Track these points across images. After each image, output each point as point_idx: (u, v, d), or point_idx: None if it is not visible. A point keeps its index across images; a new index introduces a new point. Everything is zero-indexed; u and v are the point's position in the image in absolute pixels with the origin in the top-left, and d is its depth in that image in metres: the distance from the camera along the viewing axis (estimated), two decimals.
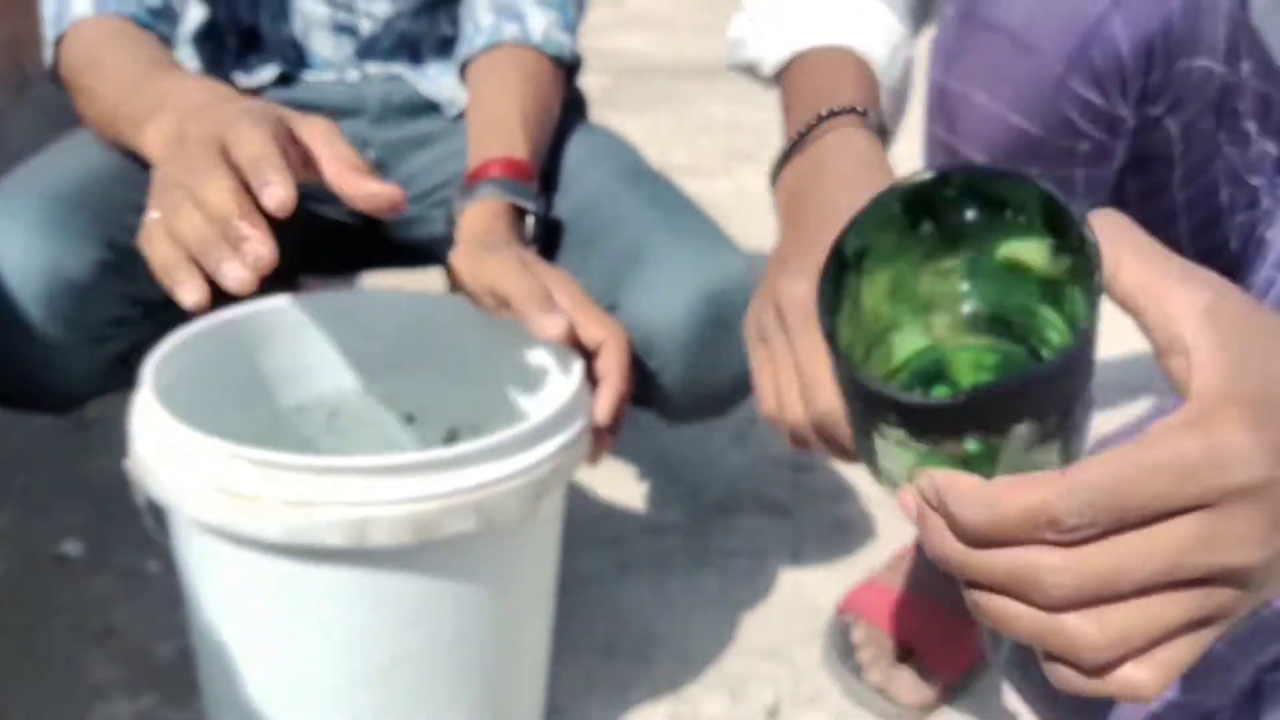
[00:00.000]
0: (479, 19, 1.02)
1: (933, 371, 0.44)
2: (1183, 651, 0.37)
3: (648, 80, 3.01)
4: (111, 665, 0.96)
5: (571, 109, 1.09)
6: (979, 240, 0.42)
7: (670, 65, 3.18)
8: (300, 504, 0.67)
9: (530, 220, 0.93)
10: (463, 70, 1.03)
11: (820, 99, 0.69)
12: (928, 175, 0.42)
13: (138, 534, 0.83)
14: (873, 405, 0.40)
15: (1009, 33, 0.68)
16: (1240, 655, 0.65)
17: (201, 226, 0.68)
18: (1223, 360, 0.38)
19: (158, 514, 0.77)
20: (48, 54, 0.94)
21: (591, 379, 0.81)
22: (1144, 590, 0.37)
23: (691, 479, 1.27)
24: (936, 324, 0.44)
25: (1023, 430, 0.38)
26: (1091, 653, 0.37)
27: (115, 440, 0.78)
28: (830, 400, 0.55)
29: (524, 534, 0.76)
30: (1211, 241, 0.88)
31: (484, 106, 0.98)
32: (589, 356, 0.82)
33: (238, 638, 0.76)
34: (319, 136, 0.75)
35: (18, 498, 1.16)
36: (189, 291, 0.68)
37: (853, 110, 0.68)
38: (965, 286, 0.43)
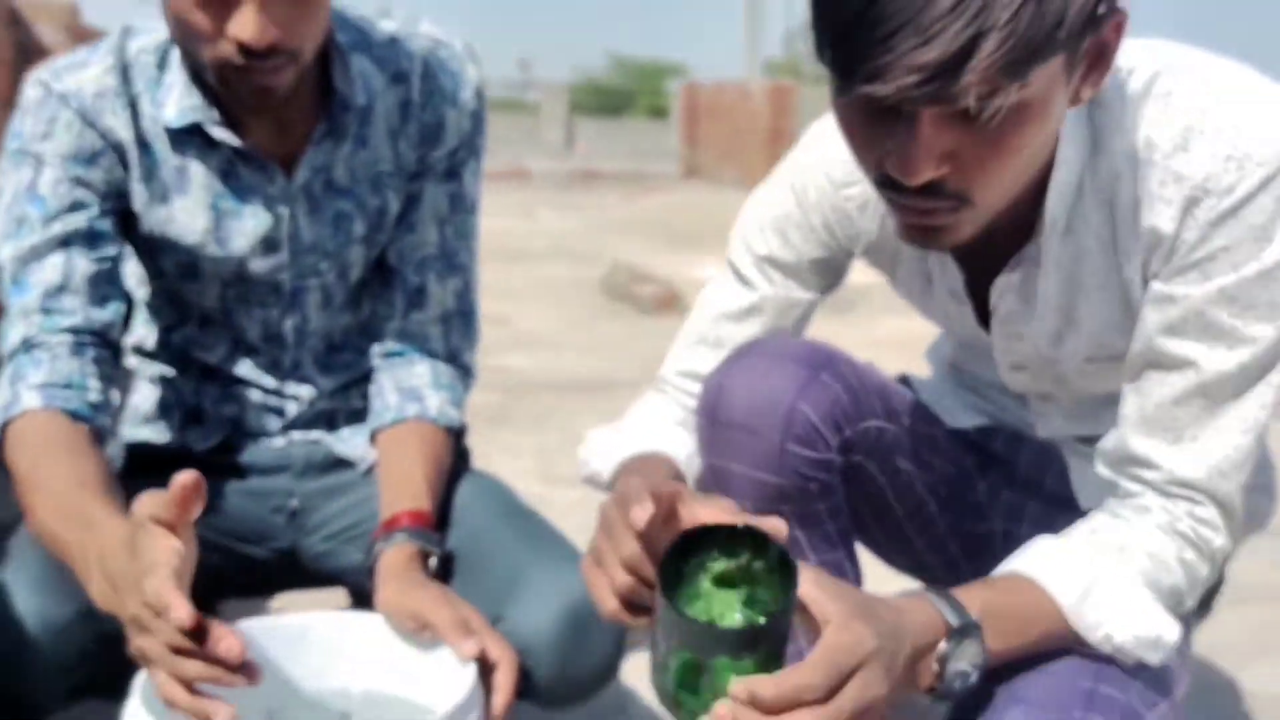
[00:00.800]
0: (387, 399, 1.28)
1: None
2: None
3: (535, 397, 3.34)
4: None
5: (459, 458, 1.36)
6: (743, 559, 0.82)
7: (552, 382, 3.52)
8: None
9: (433, 559, 1.17)
10: (373, 437, 1.29)
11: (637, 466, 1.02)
12: (713, 526, 0.82)
13: None
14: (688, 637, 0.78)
15: (739, 425, 1.02)
16: None
17: (157, 649, 0.89)
18: (842, 609, 0.80)
19: None
20: None
21: (485, 684, 1.04)
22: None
23: None
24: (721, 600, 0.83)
25: (761, 651, 0.77)
26: None
27: None
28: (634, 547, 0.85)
29: None
30: (932, 538, 1.20)
31: (394, 469, 1.24)
32: (485, 668, 1.05)
33: None
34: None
35: None
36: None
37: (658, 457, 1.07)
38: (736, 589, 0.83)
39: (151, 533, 0.89)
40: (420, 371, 1.29)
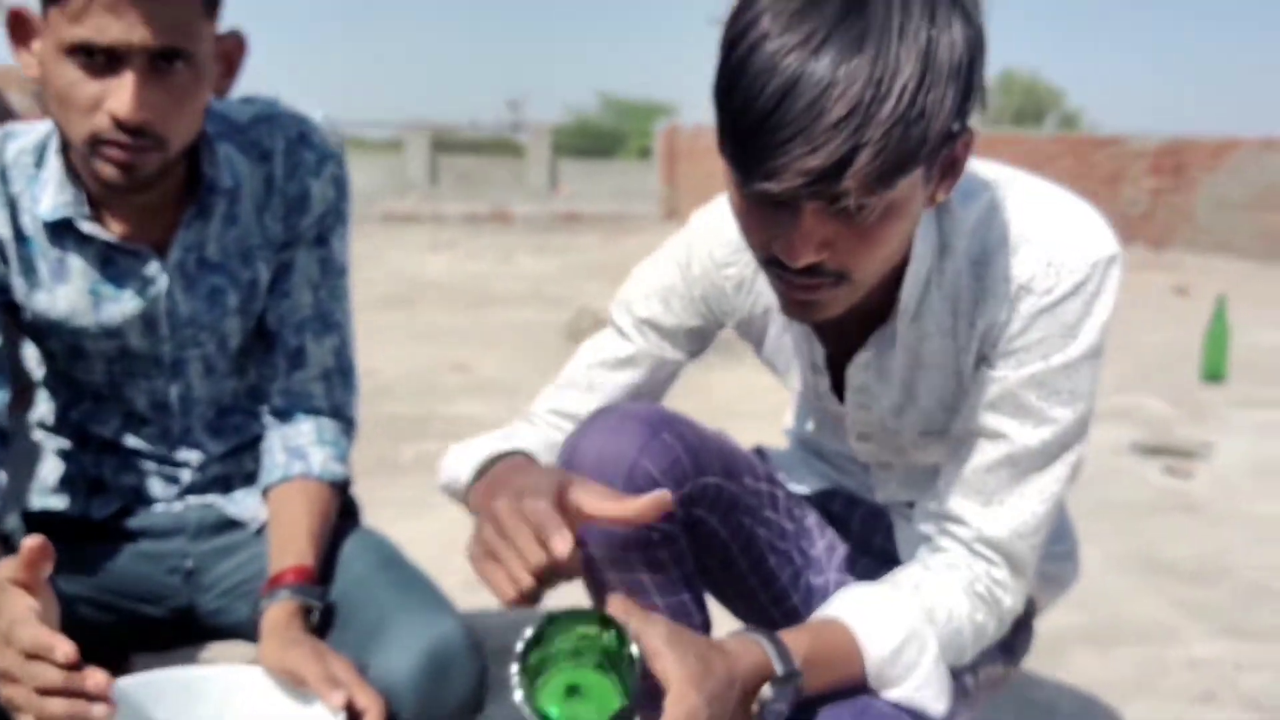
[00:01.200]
0: (275, 458, 1.37)
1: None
2: None
3: None
4: None
5: (346, 514, 1.46)
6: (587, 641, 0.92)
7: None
8: None
9: (315, 613, 1.27)
10: (264, 494, 1.38)
11: (501, 465, 1.11)
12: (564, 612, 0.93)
13: None
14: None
15: (588, 475, 1.09)
16: None
17: (23, 694, 0.98)
18: (681, 675, 0.90)
19: None
20: None
21: None
22: None
23: None
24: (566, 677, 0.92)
25: None
26: None
27: None
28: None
29: None
30: (774, 590, 1.30)
31: (280, 526, 1.33)
32: (355, 716, 1.16)
33: None
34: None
35: None
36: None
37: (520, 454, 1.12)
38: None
39: (11, 593, 0.99)
40: (305, 430, 1.38)
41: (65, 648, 0.96)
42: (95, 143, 1.14)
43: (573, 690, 0.93)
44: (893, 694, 1.04)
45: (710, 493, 1.20)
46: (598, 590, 1.19)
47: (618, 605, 0.95)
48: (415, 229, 11.06)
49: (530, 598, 0.95)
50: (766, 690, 0.97)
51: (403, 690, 1.19)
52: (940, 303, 1.08)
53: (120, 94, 1.11)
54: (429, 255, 8.69)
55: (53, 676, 0.97)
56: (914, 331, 1.10)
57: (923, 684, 1.05)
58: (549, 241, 10.02)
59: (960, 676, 1.12)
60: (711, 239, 1.19)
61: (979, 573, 1.08)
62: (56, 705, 0.98)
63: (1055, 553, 1.28)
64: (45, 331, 1.30)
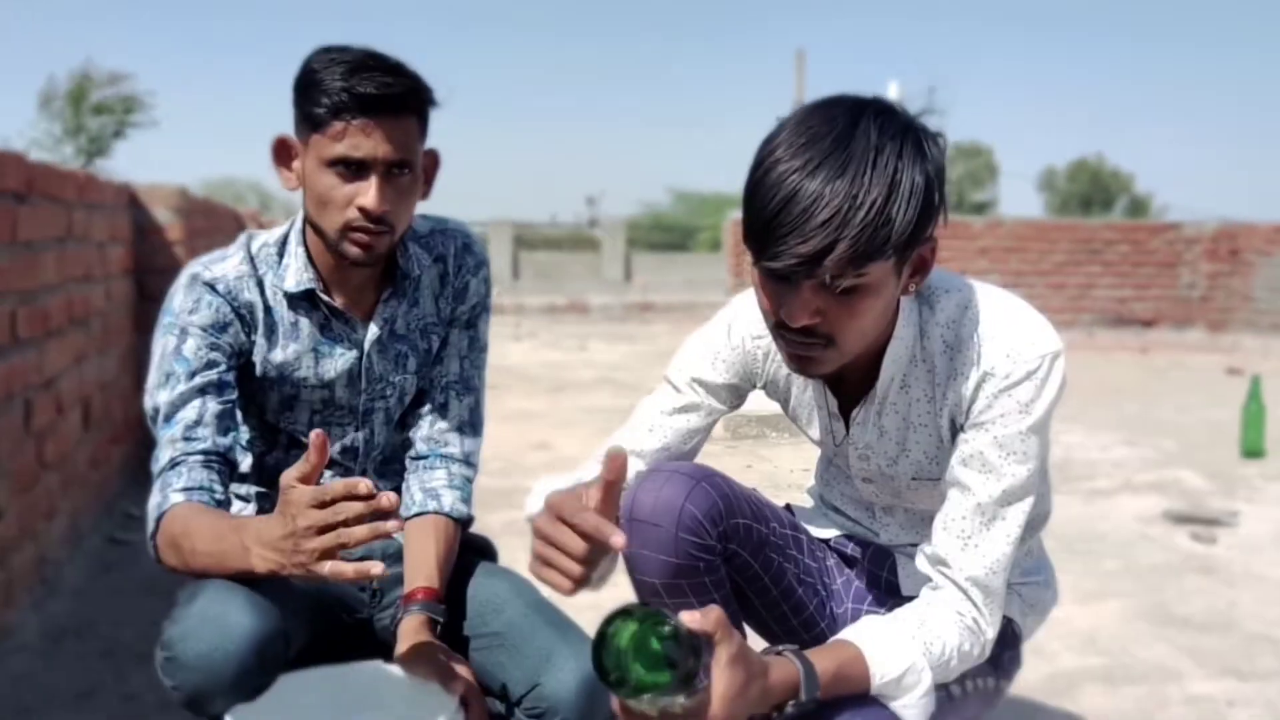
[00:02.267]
0: (414, 495, 1.75)
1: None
2: None
3: None
4: None
5: (487, 553, 1.83)
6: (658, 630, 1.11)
7: None
8: None
9: (439, 625, 1.64)
10: (401, 524, 1.75)
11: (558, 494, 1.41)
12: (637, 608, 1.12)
13: None
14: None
15: (646, 520, 1.45)
16: None
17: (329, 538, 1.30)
18: (725, 687, 1.15)
19: None
20: (150, 526, 1.57)
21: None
22: None
23: None
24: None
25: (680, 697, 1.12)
26: None
27: None
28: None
29: None
30: (805, 617, 1.62)
31: (415, 553, 1.71)
32: (466, 703, 1.52)
33: None
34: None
35: None
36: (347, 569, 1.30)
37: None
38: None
39: (296, 489, 1.33)
40: (439, 475, 1.76)
41: (365, 482, 1.31)
42: (346, 230, 1.56)
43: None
44: (890, 705, 1.31)
45: (742, 531, 1.52)
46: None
47: (710, 617, 1.16)
48: (498, 320, 11.50)
49: (581, 582, 1.24)
50: (790, 707, 1.24)
51: (567, 704, 1.56)
52: (923, 376, 1.42)
53: (369, 193, 1.53)
54: (511, 344, 9.16)
55: (357, 507, 1.30)
56: (903, 397, 1.43)
57: (912, 706, 1.32)
58: (622, 330, 10.45)
59: (947, 686, 1.40)
60: (748, 315, 1.53)
61: (965, 609, 1.36)
62: (360, 531, 1.29)
63: (1036, 582, 1.59)
64: (270, 384, 1.68)
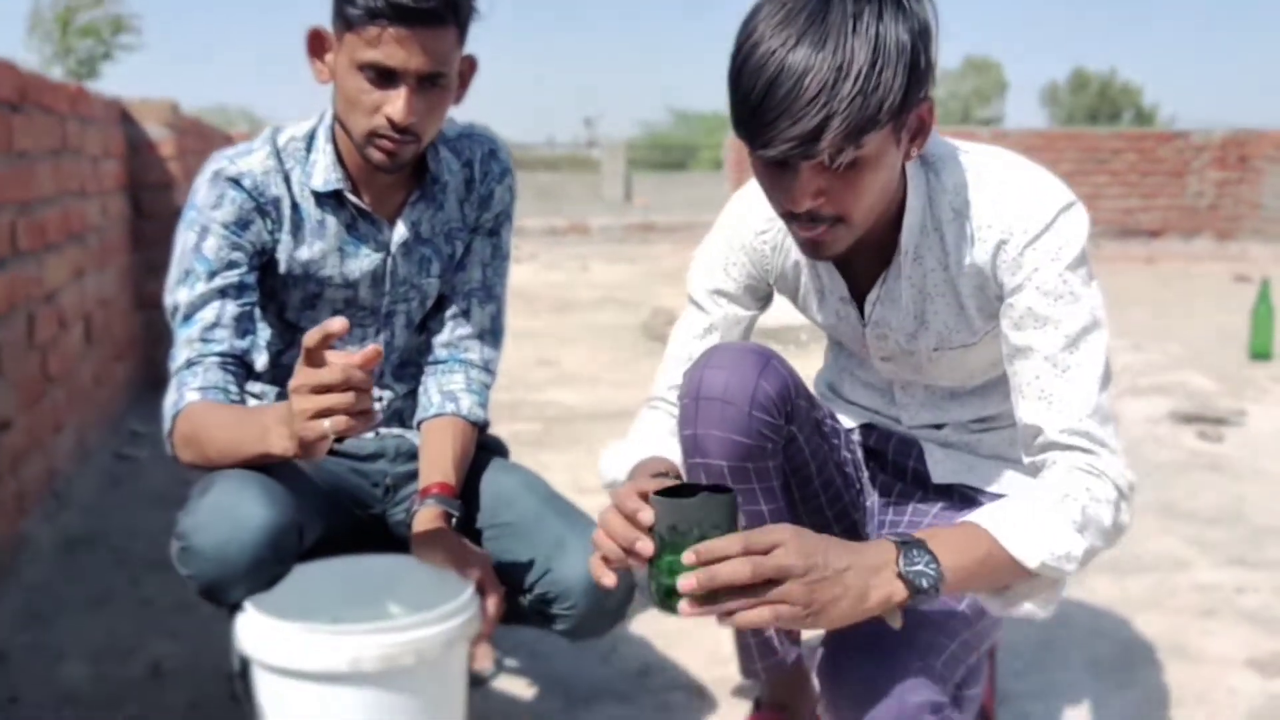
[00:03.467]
0: (431, 397, 1.75)
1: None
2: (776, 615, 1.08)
3: (570, 425, 3.82)
4: None
5: (500, 452, 1.83)
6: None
7: (589, 413, 4.00)
8: (327, 649, 1.34)
9: (454, 519, 1.64)
10: (417, 425, 1.77)
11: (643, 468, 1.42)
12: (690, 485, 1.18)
13: None
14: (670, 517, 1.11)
15: (718, 398, 1.41)
16: (942, 677, 1.27)
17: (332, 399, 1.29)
18: (794, 538, 1.09)
19: (245, 670, 1.43)
20: (166, 425, 1.58)
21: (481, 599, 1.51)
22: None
23: (571, 684, 1.91)
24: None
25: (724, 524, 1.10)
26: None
27: None
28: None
29: (440, 669, 1.43)
30: (841, 508, 1.62)
31: (431, 451, 1.70)
32: (482, 591, 1.53)
33: None
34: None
35: None
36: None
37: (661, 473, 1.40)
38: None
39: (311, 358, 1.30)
40: (457, 378, 1.76)
41: (336, 322, 1.25)
42: (372, 135, 1.53)
43: None
44: (1025, 555, 1.18)
45: (802, 413, 1.50)
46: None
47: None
48: None
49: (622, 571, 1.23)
50: (898, 559, 1.12)
51: (577, 592, 1.59)
52: (935, 245, 1.37)
53: (396, 103, 1.49)
54: (512, 266, 9.14)
55: (348, 399, 1.28)
56: (917, 269, 1.39)
57: (1048, 545, 1.18)
58: (623, 250, 10.40)
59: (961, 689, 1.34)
60: (749, 214, 1.51)
61: (1079, 461, 1.25)
62: (364, 399, 1.28)
63: None
64: (294, 281, 1.66)
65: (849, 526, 1.63)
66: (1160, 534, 2.69)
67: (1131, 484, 1.28)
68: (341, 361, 1.30)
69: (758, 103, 1.16)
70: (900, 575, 1.11)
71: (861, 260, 1.40)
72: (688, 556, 1.07)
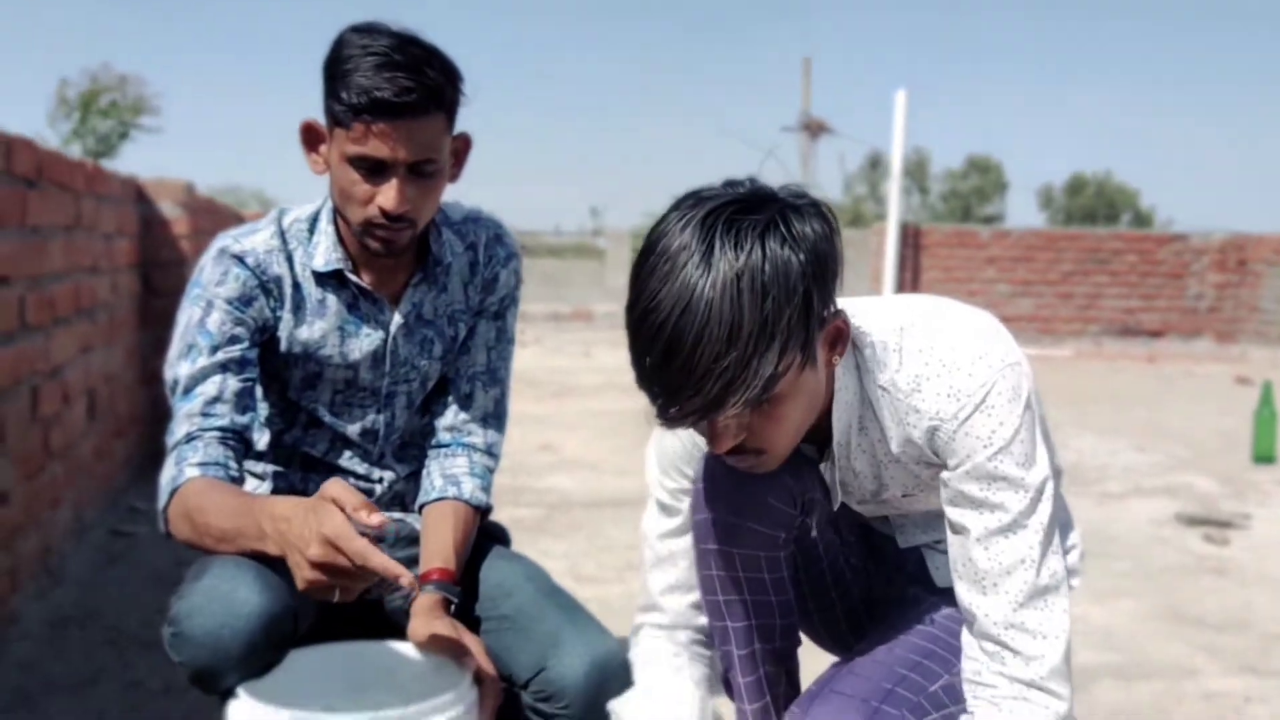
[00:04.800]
0: (434, 481, 1.73)
1: None
2: None
3: (570, 512, 3.79)
4: None
5: (502, 539, 1.82)
6: None
7: (589, 500, 3.97)
8: None
9: (453, 606, 1.62)
10: (419, 509, 1.75)
11: None
12: None
13: None
14: None
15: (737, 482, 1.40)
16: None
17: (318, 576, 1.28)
18: None
19: None
20: (162, 500, 1.54)
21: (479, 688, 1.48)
22: None
23: None
24: None
25: None
26: None
27: None
28: None
29: None
30: (849, 605, 1.58)
31: (432, 536, 1.68)
32: (480, 680, 1.50)
33: None
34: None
35: None
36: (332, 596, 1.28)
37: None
38: None
39: (330, 508, 1.29)
40: (460, 462, 1.74)
41: (408, 576, 1.28)
42: (368, 225, 1.55)
43: None
44: None
45: (818, 507, 1.46)
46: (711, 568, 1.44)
47: None
48: None
49: None
50: None
51: (574, 689, 1.55)
52: (872, 421, 1.35)
53: (389, 193, 1.51)
54: (516, 350, 9.17)
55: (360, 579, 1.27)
56: (865, 439, 1.37)
57: None
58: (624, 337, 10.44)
59: None
60: None
61: (1015, 692, 1.24)
62: (350, 596, 1.29)
63: (1069, 549, 1.54)
64: (294, 361, 1.66)
65: (856, 623, 1.60)
66: (1167, 640, 2.65)
67: (1065, 714, 1.24)
68: (376, 564, 1.28)
69: (654, 373, 1.13)
70: None
71: (810, 438, 1.35)
72: None
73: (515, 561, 1.78)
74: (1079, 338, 10.40)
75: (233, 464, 1.59)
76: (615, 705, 1.52)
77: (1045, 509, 1.26)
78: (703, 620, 1.53)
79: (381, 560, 1.27)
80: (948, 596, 1.48)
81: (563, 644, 1.59)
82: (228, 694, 1.42)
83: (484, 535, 1.81)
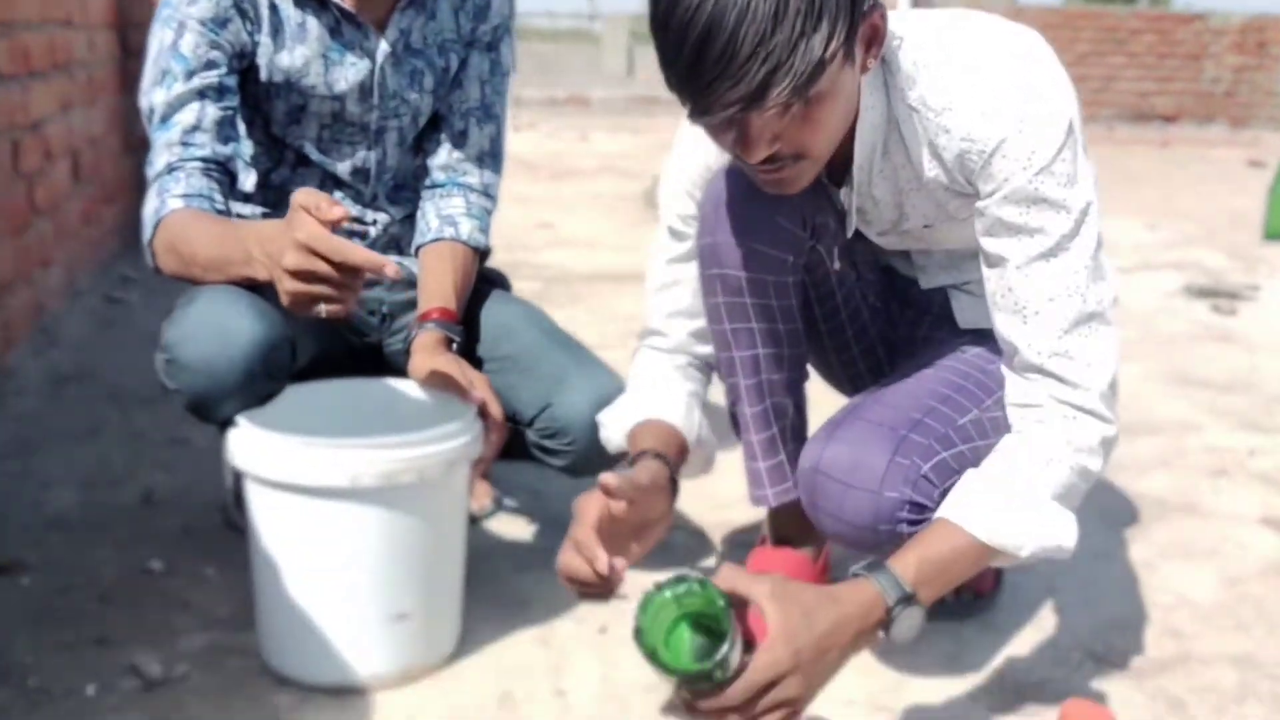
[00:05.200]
0: (429, 222, 1.67)
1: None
2: None
3: (569, 285, 3.74)
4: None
5: (502, 285, 1.76)
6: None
7: (588, 274, 3.92)
8: (325, 463, 1.29)
9: (454, 345, 1.58)
10: (416, 251, 1.69)
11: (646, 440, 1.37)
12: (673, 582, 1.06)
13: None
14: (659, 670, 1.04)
15: (743, 200, 1.31)
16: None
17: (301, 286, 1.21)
18: (777, 627, 1.03)
19: (238, 491, 1.37)
20: (147, 233, 1.48)
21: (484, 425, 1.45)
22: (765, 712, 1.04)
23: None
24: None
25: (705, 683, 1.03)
26: None
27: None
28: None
29: (441, 489, 1.37)
30: (867, 344, 1.54)
31: (430, 276, 1.63)
32: (484, 415, 1.47)
33: (281, 556, 1.35)
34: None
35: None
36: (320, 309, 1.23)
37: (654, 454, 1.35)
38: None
39: (302, 214, 1.21)
40: (457, 202, 1.68)
41: (393, 266, 1.20)
42: None
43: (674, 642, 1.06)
44: (1017, 557, 1.16)
45: (828, 233, 1.40)
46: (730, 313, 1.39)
47: (726, 574, 1.09)
48: None
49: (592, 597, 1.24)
50: (885, 621, 1.10)
51: (578, 427, 1.55)
52: (898, 143, 1.26)
53: None
54: (510, 134, 8.95)
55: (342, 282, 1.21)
56: (887, 164, 1.28)
57: (1039, 540, 1.15)
58: (625, 123, 10.17)
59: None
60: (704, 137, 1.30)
61: (1059, 395, 1.18)
62: (336, 308, 1.23)
63: None
64: (277, 91, 1.56)
65: (874, 364, 1.56)
66: (1172, 399, 2.64)
67: (1112, 438, 1.20)
68: (357, 258, 1.20)
69: (689, 65, 1.03)
70: (883, 636, 1.11)
71: (832, 162, 1.25)
72: (686, 700, 1.06)
73: (517, 304, 1.74)
74: (1092, 122, 10.12)
75: (217, 196, 1.52)
76: (603, 415, 1.50)
77: (1090, 232, 1.18)
78: (703, 349, 1.49)
79: (361, 253, 1.21)
80: (976, 337, 1.44)
81: (568, 381, 1.56)
82: (226, 424, 1.39)
83: (483, 280, 1.76)
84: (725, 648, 1.02)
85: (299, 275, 1.22)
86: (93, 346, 2.73)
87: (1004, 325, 1.22)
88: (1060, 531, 1.17)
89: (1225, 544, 1.89)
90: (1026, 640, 1.56)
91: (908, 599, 1.09)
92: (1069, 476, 1.18)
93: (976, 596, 1.62)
